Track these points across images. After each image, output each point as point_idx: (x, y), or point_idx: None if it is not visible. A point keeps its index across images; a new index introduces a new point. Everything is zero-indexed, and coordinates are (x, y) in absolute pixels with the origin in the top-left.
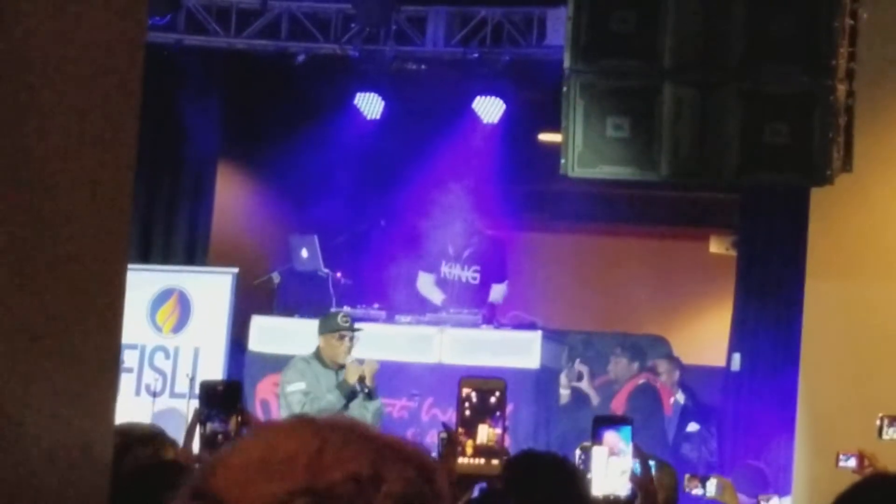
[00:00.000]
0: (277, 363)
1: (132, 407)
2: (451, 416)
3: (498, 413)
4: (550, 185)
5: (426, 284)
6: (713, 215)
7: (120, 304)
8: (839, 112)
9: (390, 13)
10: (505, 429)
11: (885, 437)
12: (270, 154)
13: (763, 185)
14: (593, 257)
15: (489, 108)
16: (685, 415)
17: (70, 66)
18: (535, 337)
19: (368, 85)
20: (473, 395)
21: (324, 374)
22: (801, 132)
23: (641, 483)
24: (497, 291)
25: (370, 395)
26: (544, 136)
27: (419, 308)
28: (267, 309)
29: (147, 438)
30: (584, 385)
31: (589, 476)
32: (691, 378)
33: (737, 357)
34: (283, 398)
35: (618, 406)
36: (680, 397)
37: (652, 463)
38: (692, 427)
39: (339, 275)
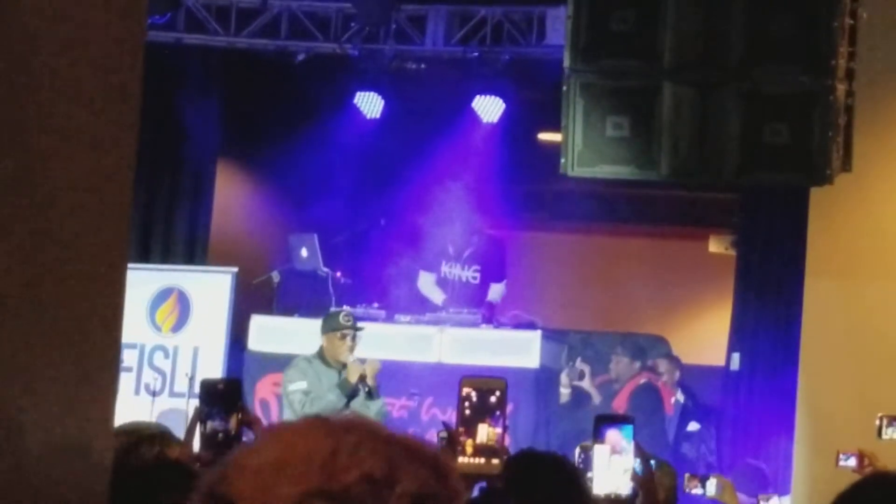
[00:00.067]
0: (277, 363)
1: (131, 406)
2: (450, 416)
3: (498, 413)
4: (550, 184)
5: (427, 284)
6: (713, 215)
7: (120, 303)
8: (839, 112)
9: (390, 12)
10: (505, 428)
11: (884, 436)
12: (270, 153)
13: (763, 184)
14: (593, 257)
15: (489, 108)
16: (685, 414)
17: (70, 65)
18: (535, 336)
19: (368, 84)
20: (474, 394)
21: (326, 373)
22: (801, 132)
23: (643, 482)
24: (495, 291)
25: (371, 394)
26: (544, 136)
27: (419, 307)
28: (266, 308)
29: (153, 437)
30: (586, 384)
31: (590, 475)
32: (691, 377)
33: (736, 356)
34: (284, 397)
35: (619, 405)
36: (680, 397)
37: (651, 462)
38: (692, 426)
39: (338, 274)
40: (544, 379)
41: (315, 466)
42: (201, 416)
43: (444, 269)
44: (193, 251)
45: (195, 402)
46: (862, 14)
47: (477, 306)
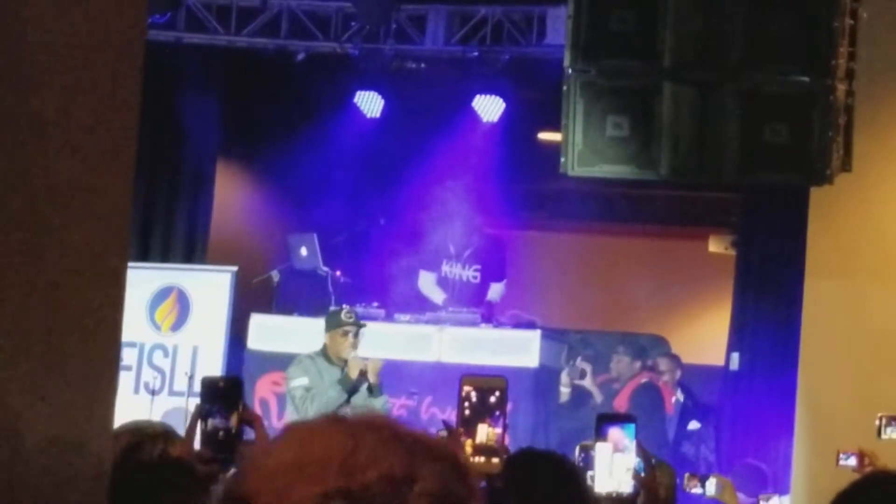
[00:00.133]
0: (276, 361)
1: (131, 405)
2: (450, 415)
3: (498, 412)
4: (550, 183)
5: (427, 284)
6: (712, 214)
7: (119, 302)
8: (839, 112)
9: (390, 12)
10: (505, 427)
11: (884, 436)
12: (270, 152)
13: (762, 184)
14: (592, 256)
15: (489, 107)
16: (685, 414)
17: (70, 64)
18: (534, 336)
19: (368, 83)
20: (474, 393)
21: (328, 370)
22: (801, 132)
23: (644, 481)
24: (495, 290)
25: (371, 391)
26: (544, 135)
27: (418, 307)
28: (266, 307)
29: (157, 436)
30: (587, 383)
31: (591, 473)
32: (690, 377)
33: (735, 356)
34: (287, 394)
35: (620, 404)
36: (680, 396)
37: (638, 460)
38: (693, 425)
39: (338, 273)
40: (544, 378)
41: (333, 466)
42: (202, 413)
43: (445, 268)
44: (193, 250)
45: (195, 401)
46: (862, 14)
47: (477, 306)
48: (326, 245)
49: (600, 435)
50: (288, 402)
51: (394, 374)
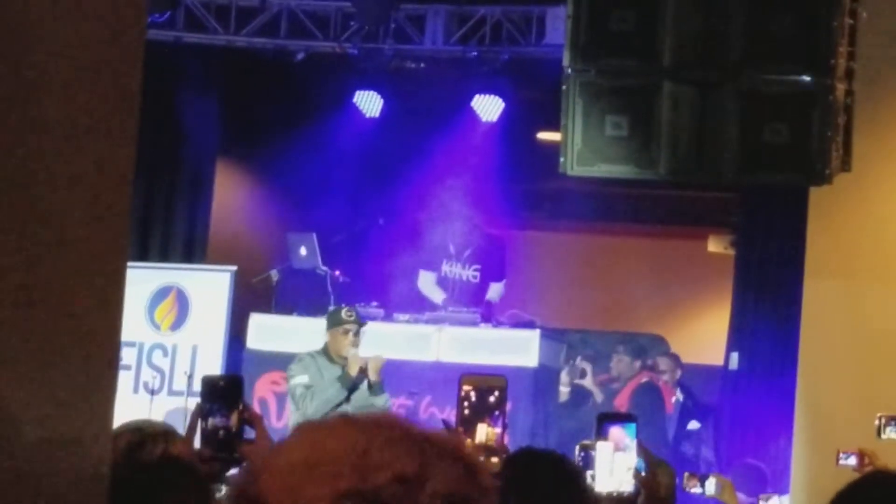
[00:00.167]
0: (276, 361)
1: (130, 405)
2: (449, 414)
3: (497, 411)
4: (549, 183)
5: (427, 284)
6: (712, 214)
7: (119, 302)
8: (838, 111)
9: (389, 11)
10: (504, 427)
11: (883, 436)
12: (269, 152)
13: (762, 184)
14: (591, 256)
15: (488, 107)
16: (684, 413)
17: (69, 63)
18: (534, 335)
19: (367, 83)
20: (473, 392)
21: (329, 368)
22: (801, 131)
23: (645, 481)
24: (494, 290)
25: (370, 387)
26: (543, 135)
27: (417, 306)
28: (265, 307)
29: (158, 436)
30: (588, 382)
31: (592, 472)
32: (689, 377)
33: (735, 356)
34: (288, 392)
35: (621, 404)
36: (680, 396)
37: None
38: (692, 425)
39: (337, 273)
40: (543, 378)
41: (346, 466)
42: (202, 412)
43: (445, 268)
44: (192, 250)
45: (194, 401)
46: (861, 14)
47: (477, 306)
48: (326, 245)
49: (601, 434)
50: (289, 400)
51: (393, 374)
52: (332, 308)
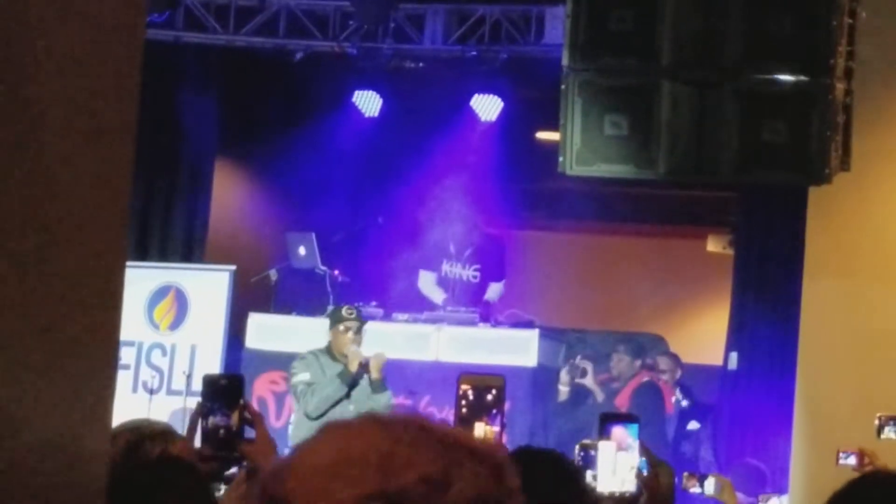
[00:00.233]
0: (275, 360)
1: (129, 404)
2: (447, 414)
3: (495, 410)
4: (548, 183)
5: (427, 284)
6: (711, 214)
7: (118, 301)
8: (837, 111)
9: (388, 11)
10: (503, 426)
11: (883, 436)
12: (268, 151)
13: (761, 183)
14: (590, 255)
15: (487, 106)
16: (684, 413)
17: (68, 62)
18: (532, 335)
19: (366, 83)
20: (471, 391)
21: (331, 366)
22: (800, 131)
23: (647, 481)
24: (493, 290)
25: (372, 385)
26: (542, 135)
27: (417, 306)
28: (264, 306)
29: (156, 435)
30: (589, 381)
31: (593, 472)
32: (688, 377)
33: (734, 356)
34: (290, 390)
35: (622, 403)
36: (679, 395)
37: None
38: (692, 425)
39: (336, 272)
40: (542, 377)
41: (372, 468)
42: (202, 411)
43: (445, 267)
44: (191, 249)
45: (193, 400)
46: (861, 13)
47: (477, 305)
48: (325, 244)
49: (604, 434)
50: (292, 397)
51: (392, 374)
52: (333, 306)
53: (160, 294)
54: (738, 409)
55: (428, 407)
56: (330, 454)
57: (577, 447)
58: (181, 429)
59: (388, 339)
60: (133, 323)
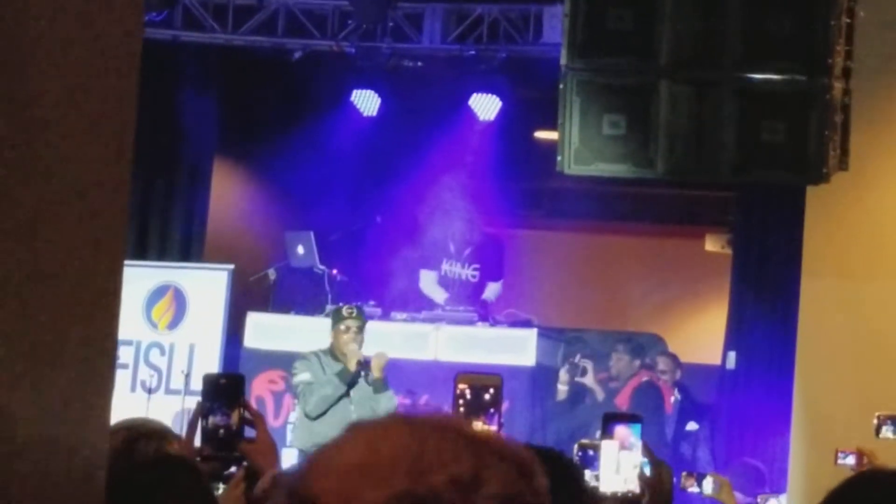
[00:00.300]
0: (273, 359)
1: (127, 403)
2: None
3: (493, 409)
4: (546, 182)
5: (429, 283)
6: (709, 213)
7: (116, 300)
8: (836, 110)
9: (387, 10)
10: (500, 425)
11: (881, 435)
12: (267, 150)
13: (759, 183)
14: (589, 255)
15: (485, 106)
16: (683, 413)
17: (66, 61)
18: (531, 334)
19: (365, 82)
20: (468, 391)
21: (332, 365)
22: (798, 130)
23: (650, 481)
24: (491, 290)
25: (374, 385)
26: (540, 134)
27: (415, 305)
28: (263, 305)
29: (152, 434)
30: (589, 380)
31: (595, 472)
32: (687, 376)
33: (732, 355)
34: (292, 389)
35: (622, 403)
36: (677, 395)
37: (644, 460)
38: (691, 426)
39: (335, 271)
40: (540, 377)
41: (401, 469)
42: (203, 410)
43: (445, 266)
44: (190, 248)
45: (191, 399)
46: (859, 12)
47: (476, 305)
48: (323, 243)
49: (607, 433)
50: (292, 397)
51: (391, 373)
52: (334, 306)
53: (159, 293)
54: (736, 409)
55: (426, 406)
56: (358, 454)
57: (576, 446)
58: (180, 428)
59: (386, 339)
60: (131, 322)
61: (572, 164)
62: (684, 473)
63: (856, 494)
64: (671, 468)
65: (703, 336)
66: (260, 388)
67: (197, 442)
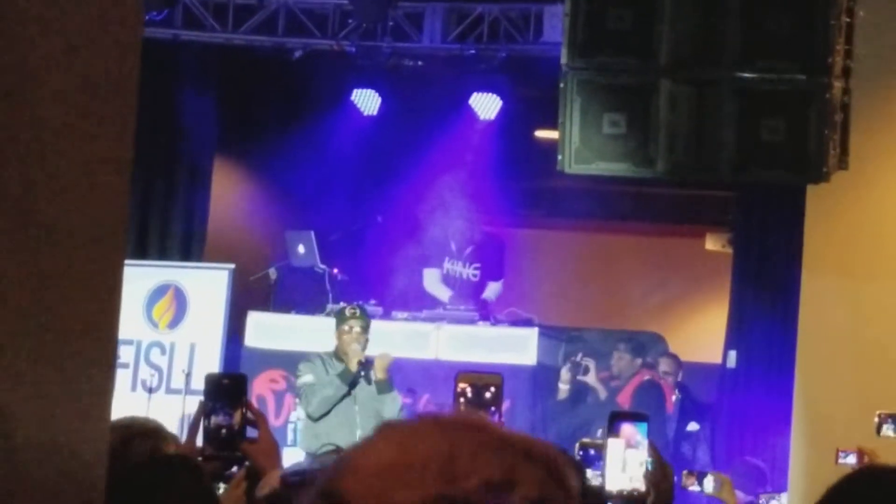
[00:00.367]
0: (274, 359)
1: (128, 403)
2: None
3: (494, 408)
4: (547, 181)
5: (432, 282)
6: (709, 212)
7: (116, 299)
8: (835, 109)
9: (387, 9)
10: (501, 424)
11: (882, 434)
12: (267, 150)
13: (759, 182)
14: (589, 254)
15: (486, 105)
16: (683, 413)
17: (66, 61)
18: (532, 333)
19: (365, 81)
20: (469, 389)
21: (336, 366)
22: (798, 130)
23: (654, 480)
24: (492, 289)
25: (377, 385)
26: (541, 133)
27: (416, 304)
28: (263, 305)
29: (147, 432)
30: (591, 379)
31: (593, 472)
32: (687, 375)
33: (732, 354)
34: (296, 392)
35: (623, 401)
36: (678, 394)
37: (649, 460)
38: (692, 426)
39: (335, 271)
40: (541, 376)
41: (433, 471)
42: (205, 410)
43: (447, 265)
44: (190, 247)
45: (192, 399)
46: (859, 12)
47: (477, 304)
48: (324, 242)
49: (613, 431)
50: (295, 398)
51: (391, 372)
52: (338, 307)
53: (159, 292)
54: (737, 408)
55: (427, 405)
56: (389, 455)
57: (577, 445)
58: (180, 428)
59: (387, 338)
60: (132, 321)
61: (573, 163)
62: (685, 472)
63: (854, 491)
64: (672, 467)
65: (703, 335)
66: (261, 388)
67: (199, 442)
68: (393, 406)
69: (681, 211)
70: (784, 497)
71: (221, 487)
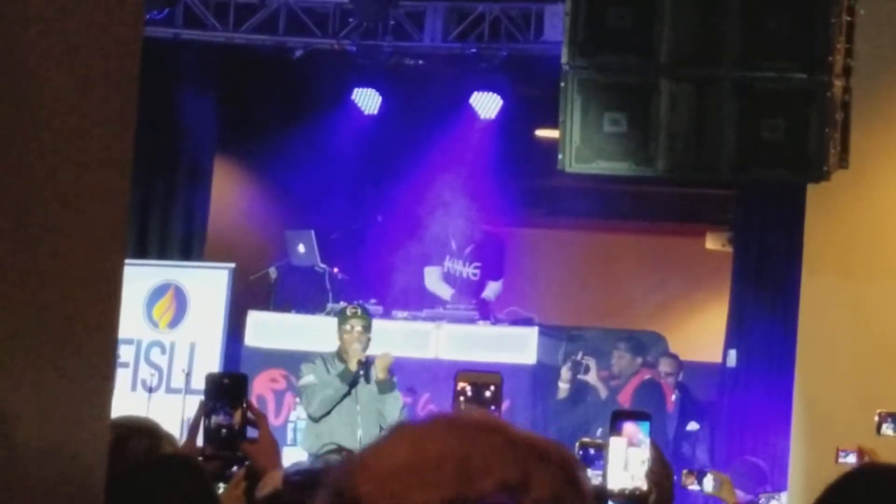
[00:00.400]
0: (274, 358)
1: (128, 402)
2: None
3: (493, 407)
4: (547, 180)
5: (434, 280)
6: (709, 211)
7: (116, 299)
8: (836, 108)
9: (388, 8)
10: None
11: (882, 433)
12: (267, 149)
13: (759, 181)
14: (589, 253)
15: (486, 104)
16: (683, 412)
17: (66, 60)
18: (532, 333)
19: (366, 80)
20: (469, 388)
21: (337, 366)
22: (798, 128)
23: (656, 479)
24: (491, 289)
25: (378, 385)
26: (541, 132)
27: (416, 303)
28: (263, 304)
29: (144, 431)
30: (591, 378)
31: (593, 471)
32: (687, 374)
33: (733, 353)
34: (298, 392)
35: (624, 400)
36: (678, 394)
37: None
38: (692, 426)
39: (335, 270)
40: (541, 375)
41: (448, 472)
42: (205, 410)
43: (447, 263)
44: (190, 247)
45: (192, 398)
46: (859, 10)
47: (477, 303)
48: (324, 242)
49: (615, 430)
50: (296, 398)
51: (393, 372)
52: (339, 306)
53: (159, 292)
54: (737, 407)
55: (427, 405)
56: (404, 456)
57: (577, 445)
58: (180, 427)
59: (387, 337)
60: (132, 321)
61: (573, 162)
62: (685, 471)
63: (853, 489)
64: (672, 466)
65: (703, 334)
66: (261, 387)
67: (199, 441)
68: (394, 406)
69: (681, 210)
70: (784, 496)
71: (221, 487)
